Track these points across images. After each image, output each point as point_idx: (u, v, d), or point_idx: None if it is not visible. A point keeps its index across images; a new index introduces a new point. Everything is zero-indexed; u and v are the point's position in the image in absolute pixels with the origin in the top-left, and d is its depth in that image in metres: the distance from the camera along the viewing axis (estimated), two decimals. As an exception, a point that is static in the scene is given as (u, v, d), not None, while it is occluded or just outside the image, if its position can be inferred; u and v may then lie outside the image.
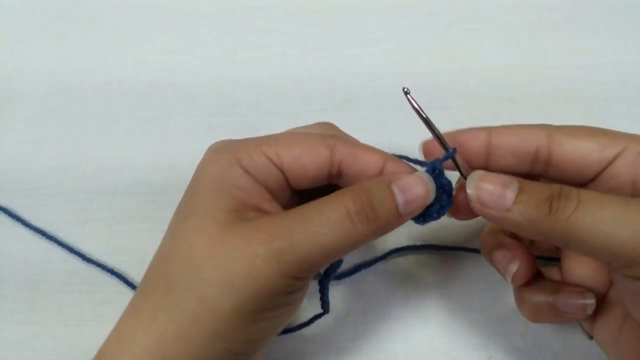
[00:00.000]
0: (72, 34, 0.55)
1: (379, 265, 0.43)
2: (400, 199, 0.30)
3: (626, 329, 0.33)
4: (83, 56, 0.54)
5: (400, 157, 0.35)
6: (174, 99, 0.51)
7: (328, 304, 0.37)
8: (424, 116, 0.31)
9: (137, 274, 0.43)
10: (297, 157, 0.32)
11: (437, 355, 0.40)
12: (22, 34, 0.55)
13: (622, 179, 0.31)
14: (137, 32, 0.55)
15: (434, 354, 0.40)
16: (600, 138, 0.32)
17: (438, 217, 0.32)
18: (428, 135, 0.32)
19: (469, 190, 0.30)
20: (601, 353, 0.36)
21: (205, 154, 0.33)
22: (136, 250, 0.44)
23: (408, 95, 0.31)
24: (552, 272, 0.37)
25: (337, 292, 0.42)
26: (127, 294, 0.43)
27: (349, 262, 0.42)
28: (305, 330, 0.40)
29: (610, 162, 0.31)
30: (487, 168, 0.33)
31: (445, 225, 0.44)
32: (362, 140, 0.35)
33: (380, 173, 0.32)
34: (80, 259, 0.44)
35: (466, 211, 0.32)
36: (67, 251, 0.44)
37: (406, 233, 0.44)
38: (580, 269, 0.35)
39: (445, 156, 0.32)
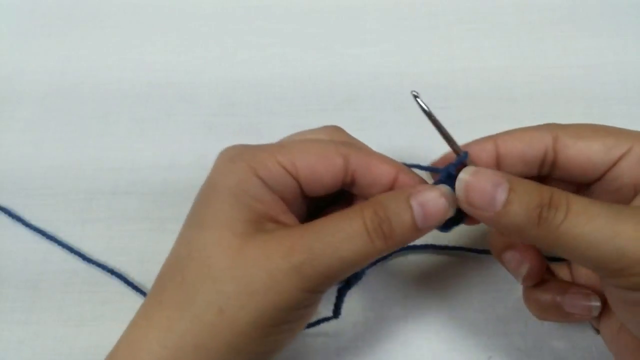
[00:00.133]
0: (72, 34, 0.55)
1: (379, 266, 0.43)
2: (418, 213, 0.29)
3: (624, 329, 0.33)
4: (83, 56, 0.54)
5: (413, 165, 0.34)
6: (174, 99, 0.51)
7: (340, 310, 0.37)
8: (435, 120, 0.31)
9: (137, 274, 0.43)
10: (312, 166, 0.31)
11: (437, 356, 0.40)
12: (22, 34, 0.55)
13: (625, 180, 0.31)
14: (137, 32, 0.55)
15: (433, 354, 0.40)
16: (606, 139, 0.32)
17: (460, 223, 0.32)
18: (428, 135, 0.32)
19: (458, 193, 0.30)
20: (601, 353, 0.36)
21: (218, 161, 0.32)
22: (136, 250, 0.44)
23: (418, 99, 0.30)
24: (562, 269, 0.37)
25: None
26: (127, 294, 0.43)
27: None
28: (305, 331, 0.40)
29: (615, 163, 0.31)
30: None
31: (445, 226, 0.44)
32: (362, 140, 0.35)
33: (393, 183, 0.32)
34: (80, 259, 0.44)
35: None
36: (67, 251, 0.44)
37: (406, 233, 0.44)
38: (586, 269, 0.36)
39: (458, 160, 0.31)
